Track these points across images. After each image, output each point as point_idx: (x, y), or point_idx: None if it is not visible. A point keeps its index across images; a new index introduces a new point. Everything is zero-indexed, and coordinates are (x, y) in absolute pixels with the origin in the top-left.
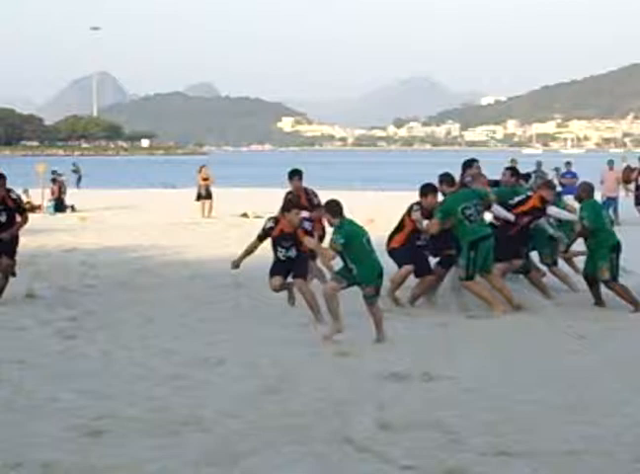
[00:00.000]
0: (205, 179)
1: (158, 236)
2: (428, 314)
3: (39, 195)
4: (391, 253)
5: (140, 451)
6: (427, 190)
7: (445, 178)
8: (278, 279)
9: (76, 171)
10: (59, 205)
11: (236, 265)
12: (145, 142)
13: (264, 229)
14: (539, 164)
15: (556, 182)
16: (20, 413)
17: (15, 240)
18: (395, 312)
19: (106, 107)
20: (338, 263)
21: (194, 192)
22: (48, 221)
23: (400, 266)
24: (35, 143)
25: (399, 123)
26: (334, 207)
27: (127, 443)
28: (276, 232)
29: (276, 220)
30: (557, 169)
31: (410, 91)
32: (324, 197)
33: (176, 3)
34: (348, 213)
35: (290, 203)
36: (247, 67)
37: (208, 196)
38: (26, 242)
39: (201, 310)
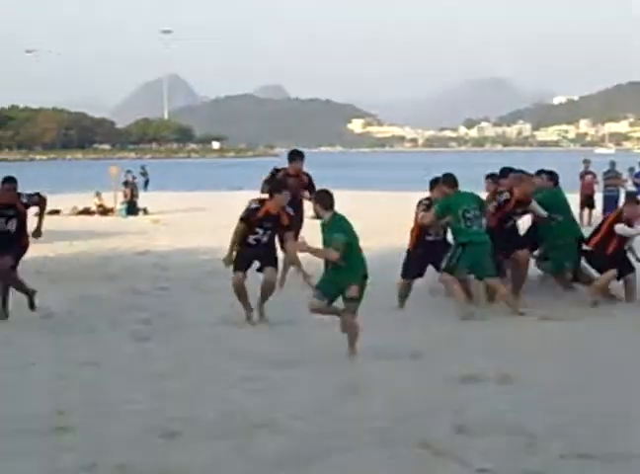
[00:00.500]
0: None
1: (229, 238)
2: (498, 315)
3: (111, 198)
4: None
5: (214, 453)
6: (436, 183)
7: (447, 178)
8: (240, 276)
9: (144, 174)
10: (132, 208)
11: (229, 260)
12: (216, 145)
13: (248, 210)
14: (613, 164)
15: (630, 182)
16: (95, 415)
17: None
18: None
19: (176, 109)
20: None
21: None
22: (121, 224)
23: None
24: (106, 147)
25: (470, 124)
26: (325, 198)
27: (201, 445)
28: (260, 213)
29: (261, 201)
30: (631, 169)
31: (480, 91)
32: (391, 198)
33: (245, 5)
34: None
35: (281, 184)
36: (317, 69)
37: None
38: (99, 244)
39: (274, 311)
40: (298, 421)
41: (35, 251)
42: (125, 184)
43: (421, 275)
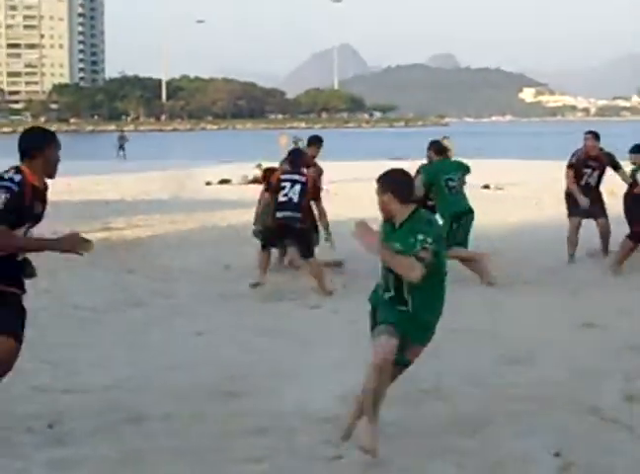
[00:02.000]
0: (448, 150)
1: None
2: None
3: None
4: None
5: (383, 418)
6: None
7: (434, 145)
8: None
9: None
10: None
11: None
12: (377, 114)
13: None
14: None
15: None
16: (266, 381)
17: None
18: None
19: (346, 79)
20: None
21: None
22: None
23: None
24: (277, 116)
25: None
26: (405, 187)
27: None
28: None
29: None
30: None
31: None
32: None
33: None
34: None
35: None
36: (488, 38)
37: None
38: None
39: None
40: (465, 387)
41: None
42: None
43: None
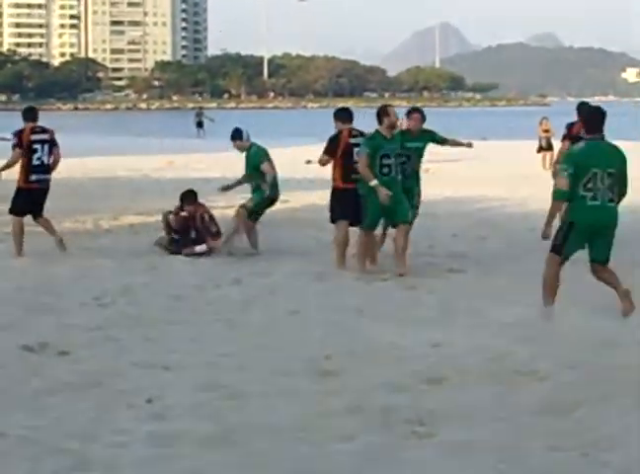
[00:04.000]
0: (546, 130)
1: (498, 188)
2: None
3: None
4: None
5: (477, 400)
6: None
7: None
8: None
9: None
10: None
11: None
12: (484, 94)
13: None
14: None
15: None
16: (361, 359)
17: None
18: None
19: (447, 58)
20: None
21: (534, 143)
22: None
23: None
24: (374, 95)
25: None
26: None
27: (464, 392)
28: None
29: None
30: None
31: None
32: None
33: None
34: None
35: None
36: (591, 16)
37: (549, 147)
38: None
39: (530, 260)
40: (562, 369)
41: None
42: None
43: None
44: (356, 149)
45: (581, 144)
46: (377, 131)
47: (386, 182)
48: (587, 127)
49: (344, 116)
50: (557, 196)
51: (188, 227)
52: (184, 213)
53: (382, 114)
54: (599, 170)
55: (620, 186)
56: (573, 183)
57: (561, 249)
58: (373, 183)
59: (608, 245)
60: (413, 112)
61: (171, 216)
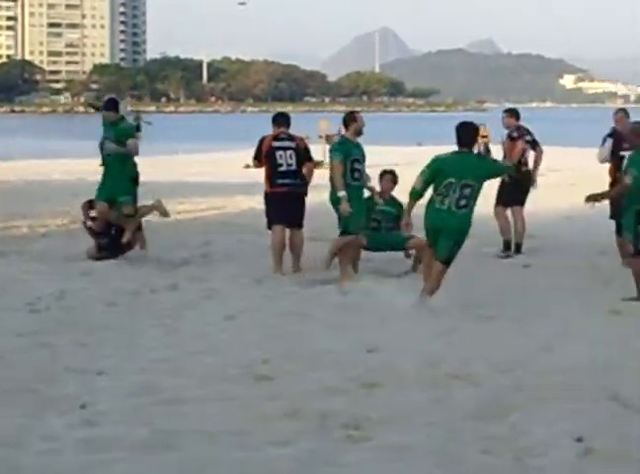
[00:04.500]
0: (485, 136)
1: None
2: None
3: (319, 151)
4: None
5: (412, 404)
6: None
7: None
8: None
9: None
10: None
11: None
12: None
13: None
14: None
15: None
16: (298, 363)
17: None
18: None
19: (387, 63)
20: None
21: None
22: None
23: None
24: (314, 100)
25: None
26: None
27: (400, 396)
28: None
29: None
30: None
31: None
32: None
33: None
34: None
35: None
36: (529, 23)
37: (488, 152)
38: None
39: (489, 266)
40: (496, 373)
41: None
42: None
43: None
44: (279, 152)
45: (448, 153)
46: (344, 137)
47: (359, 187)
48: (459, 142)
49: (279, 120)
50: (411, 194)
51: (108, 226)
52: (93, 213)
53: (350, 119)
54: (454, 179)
55: (476, 197)
56: (427, 185)
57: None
58: (341, 194)
59: (451, 248)
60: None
61: (89, 223)
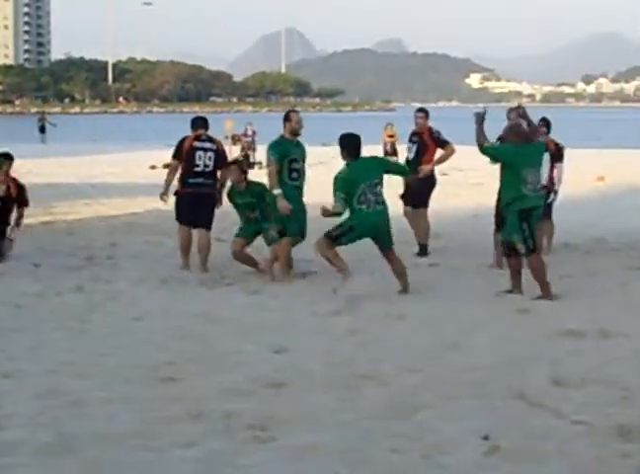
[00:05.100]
0: (391, 136)
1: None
2: (605, 272)
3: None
4: None
5: (320, 404)
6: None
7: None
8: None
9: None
10: (246, 162)
11: None
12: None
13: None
14: None
15: None
16: (204, 365)
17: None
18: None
19: (294, 63)
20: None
21: (378, 148)
22: None
23: None
24: (220, 100)
25: (588, 80)
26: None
27: (307, 396)
28: None
29: None
30: None
31: (598, 47)
32: None
33: None
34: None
35: None
36: (435, 23)
37: (394, 152)
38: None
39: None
40: (404, 372)
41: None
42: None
43: None
44: (199, 153)
45: (345, 168)
46: (282, 136)
47: (296, 187)
48: (349, 154)
49: (199, 122)
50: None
51: None
52: None
53: (285, 119)
54: (365, 184)
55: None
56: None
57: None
58: (277, 192)
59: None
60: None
61: None
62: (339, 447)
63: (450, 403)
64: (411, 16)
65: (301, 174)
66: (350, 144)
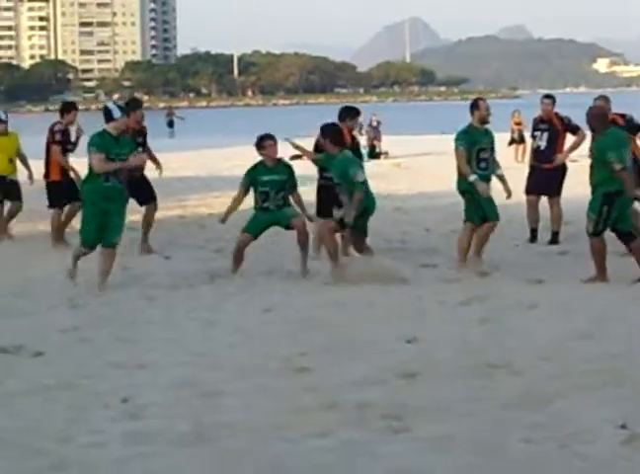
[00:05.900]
0: (518, 123)
1: None
2: None
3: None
4: None
5: (453, 393)
6: None
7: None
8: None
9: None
10: (372, 152)
11: None
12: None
13: None
14: None
15: None
16: (336, 355)
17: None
18: None
19: (418, 52)
20: None
21: (506, 136)
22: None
23: None
24: (345, 91)
25: None
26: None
27: (440, 385)
28: None
29: None
30: None
31: None
32: None
33: None
34: None
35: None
36: (560, 8)
37: (522, 140)
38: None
39: (510, 252)
40: (536, 361)
41: None
42: (369, 127)
43: None
44: None
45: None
46: (470, 125)
47: (484, 176)
48: (334, 144)
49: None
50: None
51: None
52: None
53: (473, 107)
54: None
55: None
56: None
57: None
58: (472, 177)
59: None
60: None
61: None
62: (472, 438)
63: (585, 392)
64: (535, 0)
65: (489, 163)
66: (335, 134)
